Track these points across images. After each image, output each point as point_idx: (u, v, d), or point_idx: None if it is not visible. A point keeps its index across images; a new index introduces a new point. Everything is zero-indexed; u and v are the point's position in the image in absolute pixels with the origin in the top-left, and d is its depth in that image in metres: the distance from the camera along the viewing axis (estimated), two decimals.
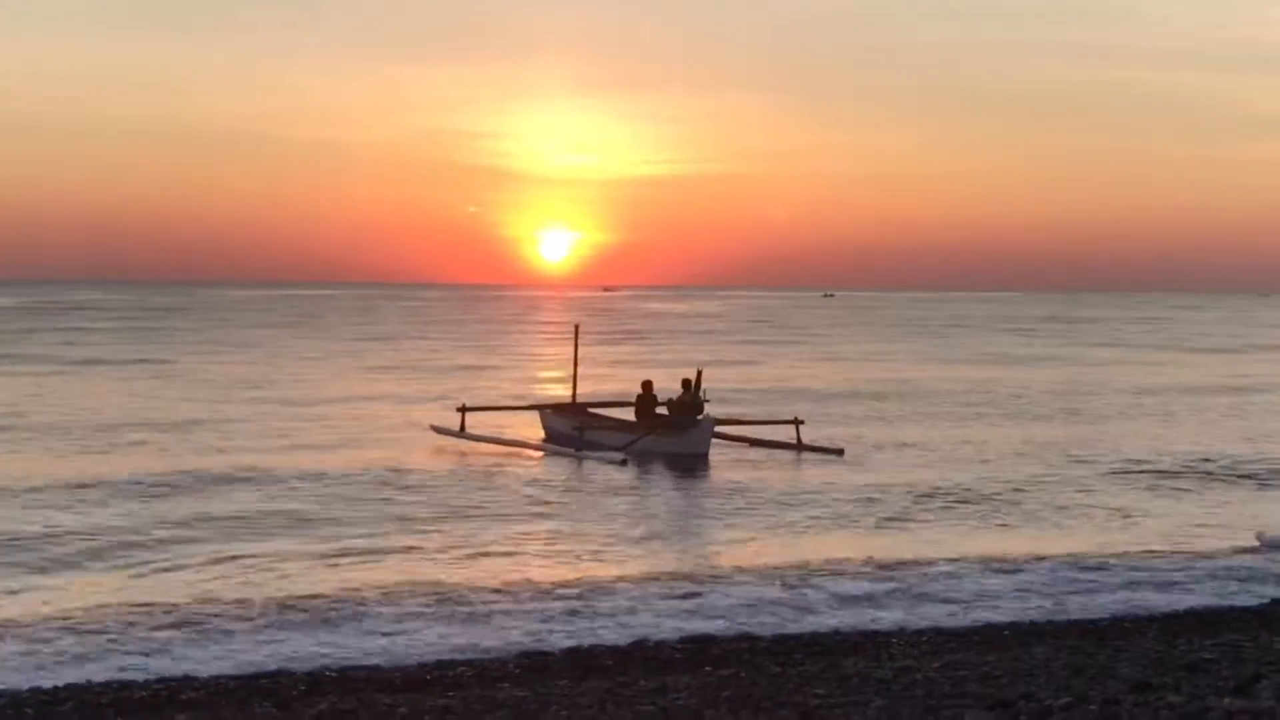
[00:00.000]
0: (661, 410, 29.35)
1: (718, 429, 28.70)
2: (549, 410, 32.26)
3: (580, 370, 32.87)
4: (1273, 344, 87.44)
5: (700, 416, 28.31)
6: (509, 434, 30.73)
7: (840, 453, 28.32)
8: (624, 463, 26.41)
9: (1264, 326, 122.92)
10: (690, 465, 26.77)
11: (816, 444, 29.07)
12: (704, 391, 28.75)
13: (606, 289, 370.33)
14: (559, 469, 26.50)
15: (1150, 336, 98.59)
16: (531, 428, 31.86)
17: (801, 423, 29.60)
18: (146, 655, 12.76)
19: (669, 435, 28.02)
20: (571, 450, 27.79)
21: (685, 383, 29.02)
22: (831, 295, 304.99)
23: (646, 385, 30.13)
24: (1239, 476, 26.21)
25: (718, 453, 28.10)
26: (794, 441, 28.98)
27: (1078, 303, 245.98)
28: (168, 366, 53.62)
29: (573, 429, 29.09)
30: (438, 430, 30.63)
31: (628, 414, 31.12)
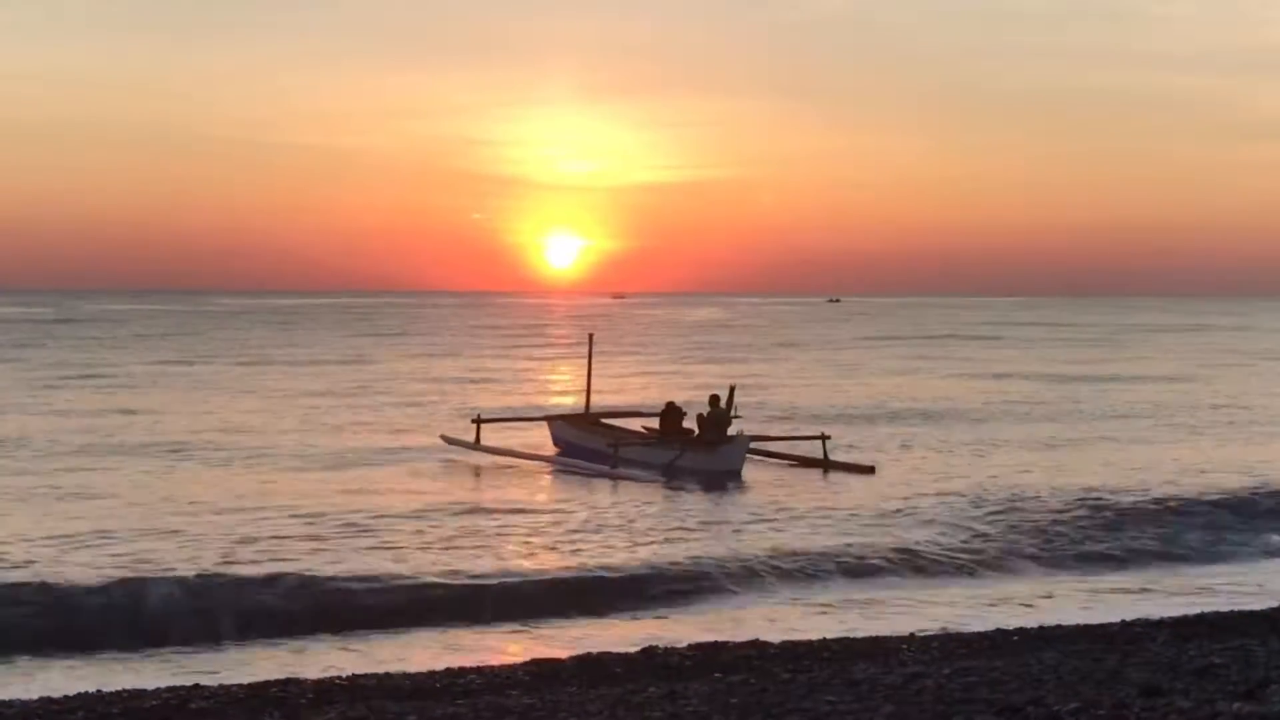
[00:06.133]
0: (689, 426, 28.54)
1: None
2: (560, 421, 31.60)
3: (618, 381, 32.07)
4: None
5: (734, 433, 27.71)
6: (530, 448, 30.14)
7: (871, 470, 27.41)
8: (665, 479, 25.75)
9: None
10: (723, 482, 26.00)
11: (847, 461, 28.22)
12: (735, 409, 28.16)
13: (617, 296, 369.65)
14: (582, 483, 26.00)
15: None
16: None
17: (828, 438, 28.77)
18: (156, 664, 12.78)
19: (702, 452, 27.31)
20: (605, 468, 26.97)
21: (714, 399, 28.27)
22: (837, 301, 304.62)
23: (670, 405, 29.40)
24: None
25: (749, 470, 27.26)
26: (821, 458, 28.25)
27: (1101, 308, 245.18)
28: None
29: (606, 445, 28.21)
30: (449, 441, 30.14)
31: (636, 424, 30.83)
